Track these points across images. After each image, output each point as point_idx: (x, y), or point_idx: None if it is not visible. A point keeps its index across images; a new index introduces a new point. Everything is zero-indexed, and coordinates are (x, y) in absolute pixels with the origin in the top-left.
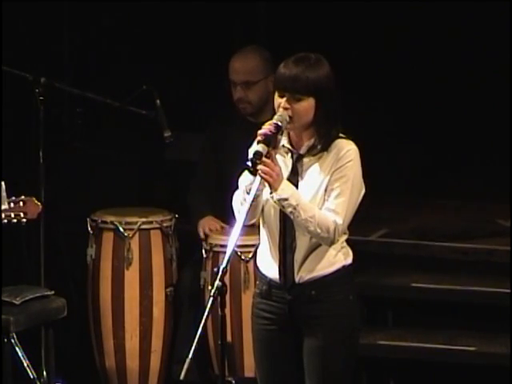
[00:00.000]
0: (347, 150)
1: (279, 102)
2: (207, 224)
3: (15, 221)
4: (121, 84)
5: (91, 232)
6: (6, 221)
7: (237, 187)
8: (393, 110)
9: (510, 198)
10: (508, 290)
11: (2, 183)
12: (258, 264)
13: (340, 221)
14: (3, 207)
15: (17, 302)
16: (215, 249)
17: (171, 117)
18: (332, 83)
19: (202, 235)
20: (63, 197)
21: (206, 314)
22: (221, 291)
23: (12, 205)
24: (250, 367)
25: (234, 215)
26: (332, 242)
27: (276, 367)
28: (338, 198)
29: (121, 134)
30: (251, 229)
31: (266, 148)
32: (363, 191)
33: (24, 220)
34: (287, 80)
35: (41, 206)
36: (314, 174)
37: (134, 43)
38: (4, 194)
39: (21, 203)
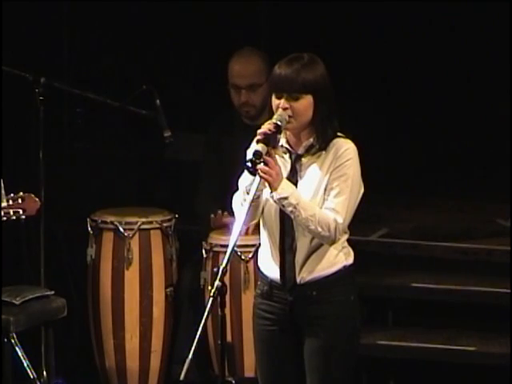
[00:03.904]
0: (346, 148)
1: (277, 103)
2: (220, 219)
3: (14, 218)
4: (121, 84)
5: (91, 232)
6: (5, 218)
7: (237, 188)
8: (393, 110)
9: (510, 198)
10: (508, 290)
11: (1, 181)
12: (259, 265)
13: (340, 219)
14: (2, 205)
15: (17, 302)
16: (215, 249)
17: (171, 117)
18: (327, 82)
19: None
20: (63, 197)
21: (205, 314)
22: (221, 291)
23: (11, 202)
24: (250, 367)
25: (234, 216)
26: (333, 241)
27: (277, 367)
28: (337, 197)
29: (121, 134)
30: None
31: (265, 147)
32: (362, 190)
33: (23, 217)
34: (283, 80)
35: (39, 203)
36: (313, 174)
37: (133, 43)
38: (3, 191)
39: (19, 200)
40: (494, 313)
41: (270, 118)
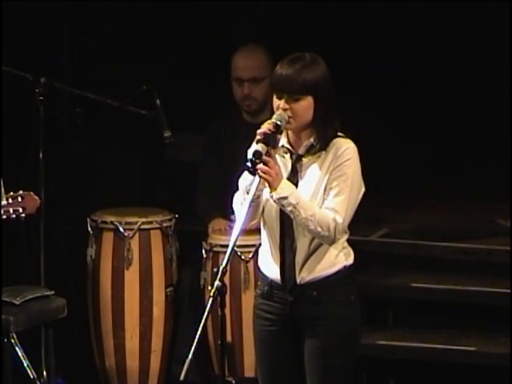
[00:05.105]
0: (345, 148)
1: (278, 103)
2: (217, 225)
3: (14, 216)
4: (121, 84)
5: (91, 232)
6: (4, 217)
7: (237, 188)
8: (393, 110)
9: (510, 198)
10: (508, 290)
11: (0, 180)
12: (260, 265)
13: (340, 219)
14: (2, 203)
15: (17, 302)
16: (215, 249)
17: (171, 117)
18: (329, 82)
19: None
20: (63, 197)
21: (205, 314)
22: (220, 291)
23: (10, 200)
24: (250, 367)
25: (234, 215)
26: (333, 241)
27: (277, 368)
28: (337, 197)
29: (121, 134)
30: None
31: (265, 147)
32: (363, 189)
33: (23, 215)
34: (284, 81)
35: (39, 201)
36: (314, 174)
37: (133, 43)
38: (2, 189)
39: (19, 198)
40: (494, 313)
41: (271, 116)
